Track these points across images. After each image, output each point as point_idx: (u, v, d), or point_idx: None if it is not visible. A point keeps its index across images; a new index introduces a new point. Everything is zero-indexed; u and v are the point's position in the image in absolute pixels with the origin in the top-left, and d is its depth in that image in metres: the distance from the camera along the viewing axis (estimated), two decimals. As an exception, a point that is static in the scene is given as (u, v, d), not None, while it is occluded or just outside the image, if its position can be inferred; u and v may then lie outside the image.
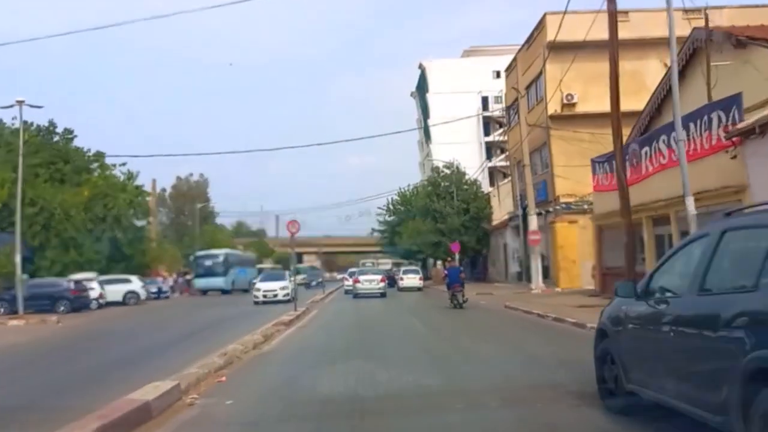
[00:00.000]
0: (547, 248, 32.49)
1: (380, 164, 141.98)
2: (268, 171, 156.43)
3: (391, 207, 61.24)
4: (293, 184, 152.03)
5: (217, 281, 49.35)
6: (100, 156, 41.49)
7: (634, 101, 31.00)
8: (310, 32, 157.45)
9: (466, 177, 45.36)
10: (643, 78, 31.38)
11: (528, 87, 33.82)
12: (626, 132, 26.32)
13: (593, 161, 24.35)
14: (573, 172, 30.62)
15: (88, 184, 39.09)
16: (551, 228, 31.09)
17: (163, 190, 63.99)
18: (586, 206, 30.59)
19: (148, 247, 51.66)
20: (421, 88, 78.94)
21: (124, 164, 40.54)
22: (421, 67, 77.10)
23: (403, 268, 46.53)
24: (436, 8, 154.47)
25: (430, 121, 76.05)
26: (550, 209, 31.91)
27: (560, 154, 30.94)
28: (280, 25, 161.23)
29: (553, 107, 30.89)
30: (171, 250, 58.53)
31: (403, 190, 62.23)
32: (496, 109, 75.24)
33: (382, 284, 34.32)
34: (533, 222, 30.44)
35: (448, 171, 44.69)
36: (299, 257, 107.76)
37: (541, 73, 31.80)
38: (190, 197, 61.18)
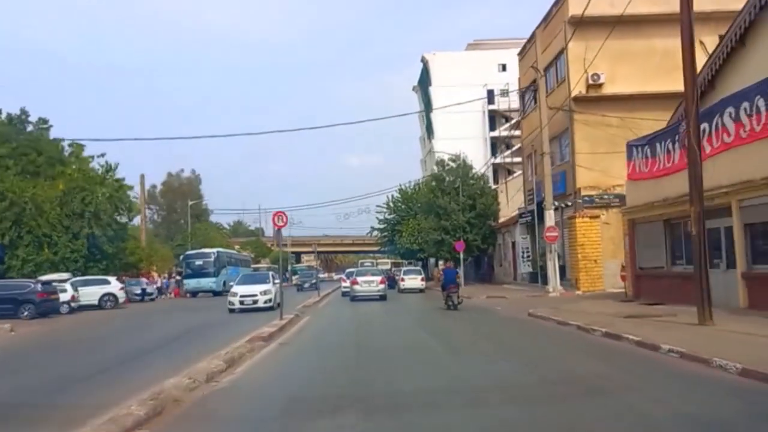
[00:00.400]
0: (563, 247, 29.12)
1: (380, 164, 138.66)
2: (267, 169, 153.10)
3: (391, 204, 57.87)
4: (292, 184, 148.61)
5: (208, 282, 45.99)
6: (78, 147, 38.13)
7: (668, 82, 27.71)
8: (310, 32, 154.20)
9: (473, 171, 41.98)
10: (678, 57, 28.05)
11: (546, 68, 30.42)
12: (664, 117, 23.05)
13: (630, 145, 20.97)
14: (597, 162, 27.28)
15: (64, 177, 35.70)
16: (570, 224, 27.71)
17: (153, 186, 60.64)
18: (611, 199, 27.28)
19: (134, 246, 48.41)
20: (424, 81, 75.56)
21: (102, 155, 37.15)
22: (423, 60, 73.74)
23: (403, 269, 43.17)
24: (438, 8, 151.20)
25: (433, 115, 72.97)
26: (569, 203, 28.52)
27: (583, 141, 27.56)
28: (278, 24, 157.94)
29: (577, 89, 27.52)
30: (161, 249, 55.21)
31: (403, 187, 58.95)
32: (501, 103, 72.32)
33: (381, 286, 31.03)
34: (550, 217, 27.05)
35: (453, 164, 41.36)
36: (297, 257, 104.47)
37: (562, 51, 28.41)
38: (181, 194, 57.73)
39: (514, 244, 37.54)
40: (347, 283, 33.78)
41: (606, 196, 27.26)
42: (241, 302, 23.83)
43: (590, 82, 27.52)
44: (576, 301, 22.18)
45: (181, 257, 48.49)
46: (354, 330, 16.56)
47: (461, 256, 39.47)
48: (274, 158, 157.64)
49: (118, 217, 37.32)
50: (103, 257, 35.42)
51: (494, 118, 72.36)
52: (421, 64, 75.20)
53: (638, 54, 27.60)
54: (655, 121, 25.33)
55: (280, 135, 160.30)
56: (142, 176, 52.88)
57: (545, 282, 28.96)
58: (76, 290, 30.32)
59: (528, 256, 35.25)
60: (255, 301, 23.80)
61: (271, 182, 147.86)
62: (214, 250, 47.79)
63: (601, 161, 27.29)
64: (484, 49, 70.93)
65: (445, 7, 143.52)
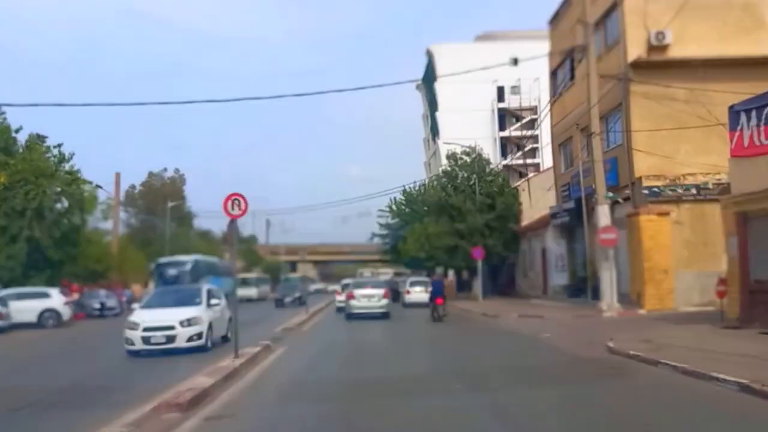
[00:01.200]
0: (615, 253, 22.74)
1: (381, 171, 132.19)
2: (261, 170, 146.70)
3: (394, 208, 51.51)
4: (288, 185, 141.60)
5: (183, 294, 39.57)
6: (34, 138, 31.78)
7: (748, 43, 21.50)
8: (307, 33, 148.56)
9: (491, 166, 35.77)
10: (762, 13, 21.91)
11: (594, 29, 24.07)
12: (745, 89, 16.78)
13: (736, 110, 14.61)
14: (659, 145, 21.05)
15: (8, 169, 29.39)
16: (631, 223, 21.33)
17: (132, 187, 54.20)
18: (682, 192, 20.97)
19: (102, 253, 42.18)
20: (429, 78, 69.36)
21: (59, 146, 30.78)
22: (428, 53, 67.69)
23: (409, 279, 36.69)
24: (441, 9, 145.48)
25: (438, 114, 66.88)
26: (625, 197, 22.15)
27: (642, 118, 21.29)
28: (276, 22, 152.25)
29: (635, 51, 21.31)
30: (137, 256, 48.80)
31: (408, 188, 52.58)
32: (512, 101, 66.22)
33: (384, 301, 24.75)
34: (605, 214, 20.72)
35: (467, 159, 35.14)
36: (293, 266, 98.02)
37: (615, 5, 22.20)
38: (163, 196, 51.32)
39: (544, 251, 31.16)
40: (342, 297, 27.40)
41: (676, 188, 20.93)
42: (146, 339, 13.61)
43: (652, 42, 21.27)
44: (655, 326, 15.78)
45: (153, 265, 42.04)
46: (346, 381, 10.15)
47: (479, 264, 33.14)
48: (270, 161, 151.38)
49: (70, 218, 30.91)
50: (47, 265, 29.03)
51: (504, 117, 66.25)
52: (426, 59, 69.12)
53: (715, 7, 21.46)
54: (733, 94, 19.14)
55: (274, 136, 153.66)
56: (117, 175, 46.58)
57: (592, 297, 22.61)
58: (4, 305, 24.00)
59: (562, 266, 28.90)
60: (171, 338, 13.62)
61: (267, 187, 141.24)
62: (191, 257, 41.33)
63: (664, 144, 21.07)
64: (494, 41, 64.73)
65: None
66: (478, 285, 33.87)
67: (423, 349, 14.28)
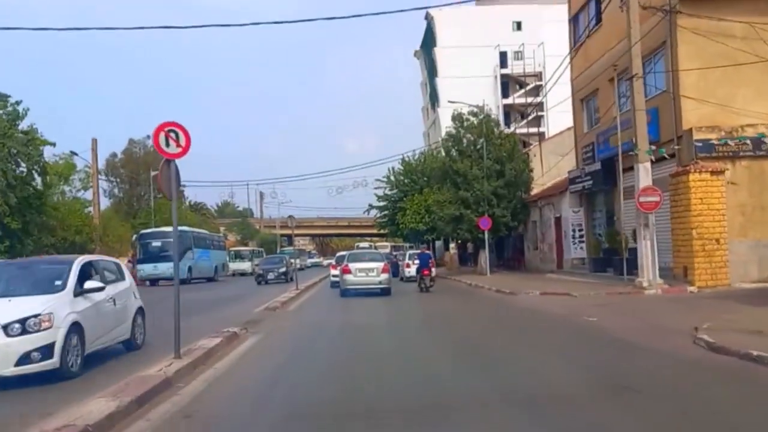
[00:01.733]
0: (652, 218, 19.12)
1: (379, 139, 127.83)
2: (253, 141, 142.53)
3: (392, 178, 47.77)
4: (281, 158, 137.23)
5: (167, 268, 35.93)
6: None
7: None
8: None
9: (500, 129, 31.99)
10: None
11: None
12: None
13: None
14: (711, 91, 17.37)
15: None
16: (677, 184, 17.65)
17: (113, 155, 50.21)
18: (740, 146, 17.31)
19: (81, 223, 38.46)
20: (428, 43, 65.20)
21: (16, 104, 26.67)
22: (428, 17, 63.27)
23: (409, 252, 33.26)
24: None
25: (438, 80, 62.79)
26: (671, 153, 18.42)
27: (691, 58, 17.53)
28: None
29: (684, -25, 17.49)
30: (120, 227, 45.12)
31: (407, 158, 48.82)
32: (515, 67, 62.12)
33: (384, 276, 21.28)
34: (646, 173, 17.07)
35: (474, 120, 31.35)
36: (290, 240, 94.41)
37: None
38: (146, 164, 47.38)
39: (558, 220, 27.53)
40: (337, 272, 23.80)
41: (731, 141, 17.24)
42: None
43: (705, -34, 17.47)
44: (727, 307, 12.26)
45: (134, 237, 38.42)
46: (332, 405, 6.47)
47: (486, 236, 29.55)
48: (263, 132, 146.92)
49: (30, 182, 27.07)
50: (5, 234, 25.30)
51: (507, 84, 62.25)
52: (425, 23, 64.76)
53: None
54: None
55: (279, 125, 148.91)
56: (94, 141, 42.44)
57: (621, 271, 19.06)
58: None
59: (581, 237, 25.34)
60: None
61: (260, 160, 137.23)
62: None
63: (717, 89, 17.39)
64: (496, 4, 60.39)
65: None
66: (484, 258, 30.34)
67: (443, 343, 10.61)
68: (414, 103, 78.15)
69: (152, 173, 46.11)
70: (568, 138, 32.79)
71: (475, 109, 31.83)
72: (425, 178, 45.96)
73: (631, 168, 17.99)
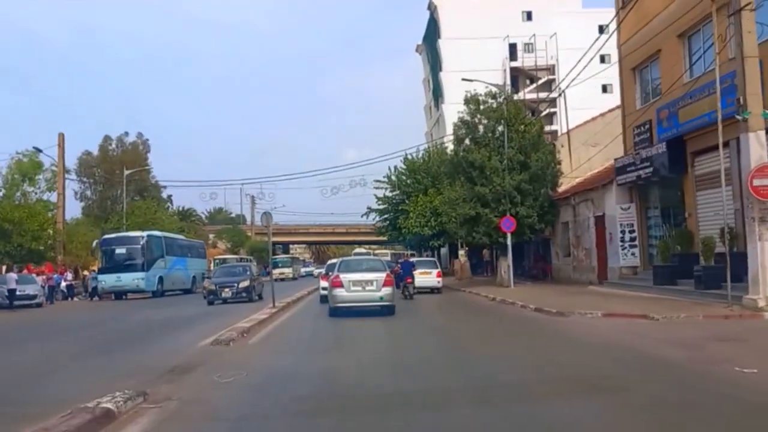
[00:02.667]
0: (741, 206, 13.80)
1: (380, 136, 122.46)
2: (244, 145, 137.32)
3: (393, 178, 42.54)
4: (275, 166, 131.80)
5: (133, 279, 30.67)
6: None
7: None
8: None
9: (523, 113, 26.72)
10: None
11: None
12: None
13: None
14: None
15: None
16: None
17: (87, 153, 44.87)
18: None
19: (38, 228, 33.31)
20: (431, 36, 60.17)
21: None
22: (431, 6, 58.30)
23: (413, 260, 27.91)
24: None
25: (442, 75, 57.71)
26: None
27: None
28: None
29: None
30: (88, 234, 39.74)
31: (410, 156, 43.61)
32: (526, 60, 57.01)
33: (386, 290, 16.02)
34: (758, 145, 11.83)
35: (493, 102, 26.18)
36: (285, 248, 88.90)
37: None
38: (122, 164, 42.11)
39: (600, 219, 22.17)
40: (326, 284, 18.31)
41: None
42: None
43: None
44: None
45: (95, 243, 33.08)
46: None
47: (509, 239, 24.25)
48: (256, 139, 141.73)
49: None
50: None
51: (517, 79, 57.08)
52: (428, 13, 59.75)
53: None
54: None
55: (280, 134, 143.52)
56: (61, 136, 37.38)
57: (706, 285, 13.76)
58: None
59: (632, 240, 20.02)
60: None
61: (252, 166, 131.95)
62: (144, 233, 32.33)
63: None
64: (506, -7, 55.35)
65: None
66: (506, 266, 25.02)
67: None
68: (415, 103, 73.02)
69: (126, 171, 40.92)
70: (601, 126, 27.62)
71: (494, 90, 26.62)
72: (430, 178, 40.85)
73: (707, 150, 12.78)
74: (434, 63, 60.16)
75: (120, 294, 31.45)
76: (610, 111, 28.10)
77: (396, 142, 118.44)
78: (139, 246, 31.20)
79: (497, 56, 55.62)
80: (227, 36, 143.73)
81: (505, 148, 24.82)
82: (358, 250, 30.82)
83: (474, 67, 53.60)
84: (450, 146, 42.91)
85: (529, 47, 56.12)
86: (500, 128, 25.56)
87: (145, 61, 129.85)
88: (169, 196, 60.05)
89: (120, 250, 31.44)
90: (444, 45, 56.85)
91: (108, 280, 30.90)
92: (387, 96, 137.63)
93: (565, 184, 27.28)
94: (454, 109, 46.06)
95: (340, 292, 16.07)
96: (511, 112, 25.67)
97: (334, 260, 22.52)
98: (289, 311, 17.86)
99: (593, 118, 28.31)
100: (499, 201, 24.78)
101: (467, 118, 26.95)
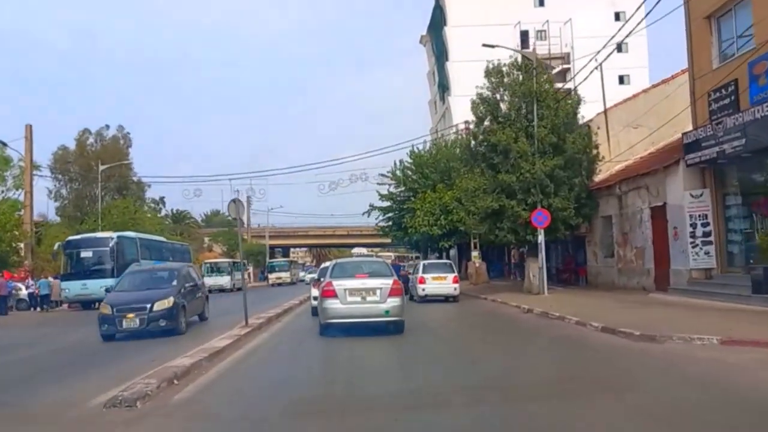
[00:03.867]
0: None
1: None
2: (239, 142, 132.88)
3: (398, 173, 38.10)
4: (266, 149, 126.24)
5: (99, 286, 26.13)
6: None
7: None
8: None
9: (557, 87, 22.11)
10: None
11: None
12: None
13: None
14: None
15: None
16: None
17: (63, 148, 40.46)
18: None
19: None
20: (437, 24, 55.78)
21: None
22: (436, -8, 54.00)
23: (423, 263, 23.34)
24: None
25: (448, 66, 53.34)
26: None
27: None
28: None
29: None
30: (61, 237, 35.26)
31: (417, 149, 39.20)
32: (539, 48, 52.55)
33: (393, 301, 11.83)
34: None
35: (520, 75, 21.74)
36: (285, 251, 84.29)
37: None
38: (98, 159, 37.70)
39: (660, 210, 17.57)
40: (318, 292, 13.64)
41: None
42: None
43: None
44: None
45: (57, 246, 28.67)
46: None
47: (541, 237, 19.76)
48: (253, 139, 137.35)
49: None
50: None
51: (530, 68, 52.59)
52: (433, 1, 55.38)
53: None
54: None
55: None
56: (28, 128, 33.04)
57: None
58: None
59: (705, 236, 15.51)
60: None
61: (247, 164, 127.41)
62: (114, 234, 27.88)
63: None
64: (517, -25, 50.96)
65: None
66: (536, 269, 20.53)
67: None
68: (418, 104, 68.65)
69: (102, 167, 36.46)
70: (643, 104, 23.19)
71: (527, 58, 22.21)
72: (438, 173, 36.42)
73: None
74: (440, 53, 55.84)
75: (88, 303, 27.01)
76: (654, 86, 23.72)
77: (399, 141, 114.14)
78: (108, 248, 26.72)
79: (508, 44, 50.89)
80: (224, 40, 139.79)
81: (535, 128, 20.35)
82: (357, 250, 25.68)
83: (483, 57, 49.59)
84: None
85: (541, 35, 51.79)
86: (526, 106, 21.09)
87: (141, 62, 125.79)
88: (162, 198, 55.80)
89: (86, 254, 26.97)
90: (451, 33, 52.52)
91: (72, 288, 26.43)
92: (388, 96, 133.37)
93: (602, 173, 22.80)
94: (461, 102, 41.72)
95: (332, 304, 11.78)
96: (541, 84, 21.19)
97: (327, 264, 18.04)
98: (266, 331, 13.32)
99: (634, 96, 23.83)
100: (528, 191, 20.30)
101: (487, 94, 22.47)
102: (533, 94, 20.61)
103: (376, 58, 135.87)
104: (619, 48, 32.60)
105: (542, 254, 19.82)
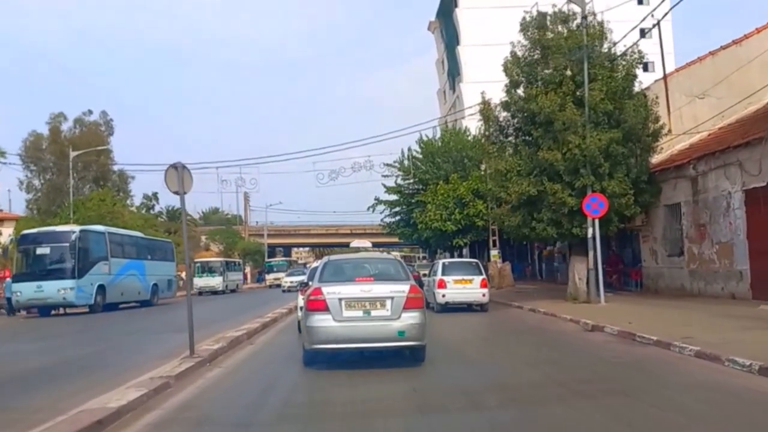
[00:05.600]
0: None
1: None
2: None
3: (406, 163, 33.72)
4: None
5: (58, 288, 21.84)
6: None
7: None
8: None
9: (615, 45, 17.58)
10: None
11: None
12: None
13: None
14: None
15: None
16: None
17: (35, 133, 36.12)
18: None
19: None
20: (447, 7, 51.36)
21: None
22: (447, -28, 49.59)
23: (443, 262, 18.64)
24: None
25: (460, 50, 48.96)
26: None
27: None
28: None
29: None
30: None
31: (426, 137, 34.90)
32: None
33: (409, 316, 7.57)
34: None
35: (564, 29, 17.35)
36: (286, 251, 79.88)
37: None
38: (74, 147, 33.38)
39: (757, 194, 13.12)
40: (304, 301, 9.13)
41: None
42: None
43: None
44: None
45: (9, 240, 24.31)
46: None
47: (595, 228, 15.34)
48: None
49: None
50: None
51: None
52: (443, -16, 51.02)
53: None
54: None
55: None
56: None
57: None
58: None
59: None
60: None
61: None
62: (76, 227, 23.54)
63: None
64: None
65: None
66: (583, 271, 16.11)
67: None
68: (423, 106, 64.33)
69: (72, 153, 32.05)
70: (710, 69, 18.76)
71: (569, 11, 17.79)
72: (451, 163, 32.09)
73: None
74: (450, 38, 51.47)
75: (45, 309, 22.73)
76: (723, 48, 19.24)
77: (403, 144, 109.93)
78: (68, 244, 22.36)
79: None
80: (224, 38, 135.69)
81: (586, 91, 15.92)
82: (358, 242, 20.44)
83: (497, 40, 45.11)
84: (471, 126, 34.28)
85: (558, 15, 47.26)
86: (573, 67, 16.65)
87: (140, 55, 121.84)
88: (155, 194, 51.55)
89: (42, 250, 22.61)
90: (462, 15, 48.17)
91: (25, 291, 22.03)
92: (390, 99, 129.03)
93: (661, 152, 18.31)
94: (473, 89, 37.30)
95: (322, 322, 7.65)
96: (592, 41, 16.74)
97: (316, 264, 13.54)
98: (220, 365, 8.70)
99: (700, 59, 19.31)
100: (576, 172, 15.85)
101: (519, 54, 18.03)
102: (584, 50, 16.15)
103: (381, 57, 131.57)
104: (642, 33, 28.27)
105: (597, 252, 15.35)
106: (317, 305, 7.63)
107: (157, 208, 58.13)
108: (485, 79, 33.14)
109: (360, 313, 7.59)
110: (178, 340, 10.19)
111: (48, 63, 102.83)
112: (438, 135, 35.92)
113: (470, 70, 46.45)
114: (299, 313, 11.18)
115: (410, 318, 7.67)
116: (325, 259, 9.25)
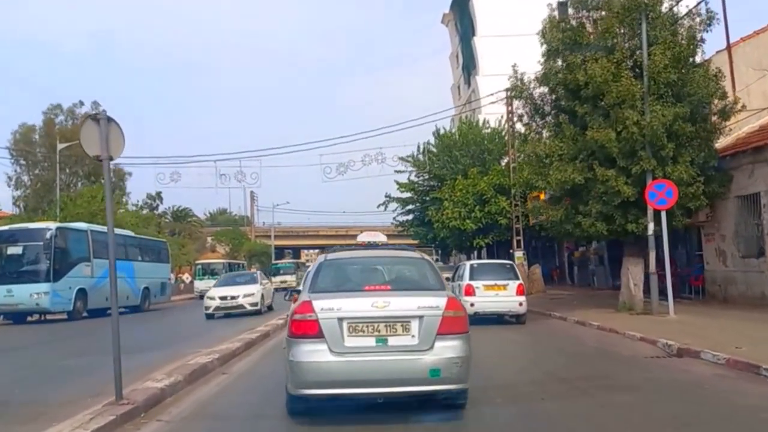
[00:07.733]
0: None
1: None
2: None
3: (421, 157, 30.91)
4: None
5: (31, 293, 19.19)
6: None
7: None
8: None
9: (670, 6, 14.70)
10: None
11: None
12: None
13: None
14: None
15: None
16: None
17: (26, 126, 33.58)
18: None
19: None
20: (461, -1, 48.50)
21: None
22: (462, -41, 46.70)
23: (472, 263, 15.67)
24: None
25: (476, 41, 46.06)
26: None
27: None
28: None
29: None
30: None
31: (443, 130, 32.18)
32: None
33: (449, 344, 4.90)
34: None
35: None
36: (295, 252, 77.00)
37: None
38: (65, 140, 30.85)
39: None
40: (297, 312, 6.21)
41: None
42: None
43: None
44: None
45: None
46: None
47: (662, 222, 12.39)
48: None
49: None
50: None
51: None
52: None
53: None
54: None
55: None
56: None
57: None
58: None
59: None
60: None
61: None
62: (52, 225, 20.86)
63: None
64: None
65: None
66: (640, 274, 13.18)
67: None
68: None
69: (60, 146, 29.46)
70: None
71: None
72: (470, 157, 29.30)
73: None
74: (466, 30, 48.55)
75: (20, 316, 20.08)
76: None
77: (416, 138, 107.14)
78: (42, 243, 19.68)
79: (544, 13, 43.73)
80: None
81: (644, 56, 13.00)
82: (364, 236, 17.72)
83: (515, 30, 42.06)
84: (490, 119, 31.44)
85: (581, 3, 44.28)
86: (628, 28, 13.76)
87: (160, 65, 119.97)
88: (158, 193, 48.98)
89: (14, 250, 19.96)
90: (478, 4, 45.25)
91: (-7, 294, 19.40)
92: (401, 99, 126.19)
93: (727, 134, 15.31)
94: (490, 82, 34.43)
95: (314, 355, 4.91)
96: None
97: (310, 266, 10.62)
98: (169, 409, 5.89)
99: (770, 26, 16.34)
100: (634, 155, 12.93)
101: (554, 14, 15.25)
102: (641, 7, 13.24)
103: (390, 58, 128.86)
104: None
105: (665, 251, 12.39)
106: (306, 328, 4.85)
107: (161, 209, 55.62)
108: (502, 72, 30.05)
109: (371, 342, 4.82)
110: (132, 363, 7.32)
111: (42, 53, 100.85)
112: (455, 128, 33.22)
113: (487, 62, 43.53)
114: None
115: (448, 349, 4.89)
116: (321, 257, 6.32)
